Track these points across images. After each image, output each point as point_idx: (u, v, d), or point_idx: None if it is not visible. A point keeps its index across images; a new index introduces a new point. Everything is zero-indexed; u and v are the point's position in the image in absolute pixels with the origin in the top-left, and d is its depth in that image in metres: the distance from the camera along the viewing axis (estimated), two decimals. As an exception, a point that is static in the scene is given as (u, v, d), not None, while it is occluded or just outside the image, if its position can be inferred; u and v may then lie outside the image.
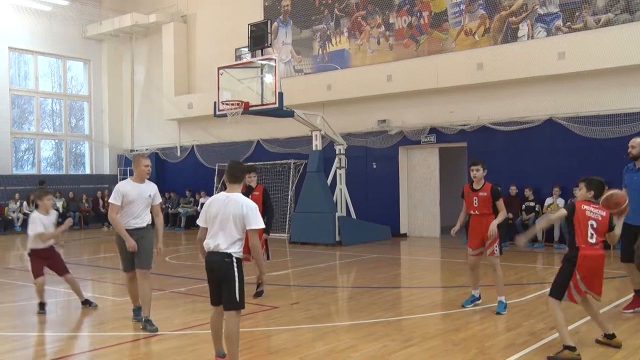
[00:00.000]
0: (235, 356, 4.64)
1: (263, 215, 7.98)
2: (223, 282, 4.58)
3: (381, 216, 16.16)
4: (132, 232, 6.25)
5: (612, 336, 5.33)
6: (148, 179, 6.43)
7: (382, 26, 16.81)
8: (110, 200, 6.27)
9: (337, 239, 14.35)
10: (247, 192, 8.16)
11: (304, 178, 15.70)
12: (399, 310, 7.28)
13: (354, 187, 15.84)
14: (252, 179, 8.20)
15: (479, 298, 7.12)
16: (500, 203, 6.83)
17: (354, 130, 16.76)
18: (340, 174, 15.44)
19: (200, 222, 4.72)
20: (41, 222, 7.04)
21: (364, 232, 14.98)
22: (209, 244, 4.59)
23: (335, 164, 15.49)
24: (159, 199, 6.54)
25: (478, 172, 6.97)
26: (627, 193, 6.43)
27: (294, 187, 17.52)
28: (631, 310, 6.44)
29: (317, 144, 15.16)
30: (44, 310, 7.09)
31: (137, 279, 6.33)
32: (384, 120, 16.39)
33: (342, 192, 15.39)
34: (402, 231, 16.40)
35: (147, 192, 6.37)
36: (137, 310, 6.52)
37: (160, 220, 6.56)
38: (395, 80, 15.84)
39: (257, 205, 4.69)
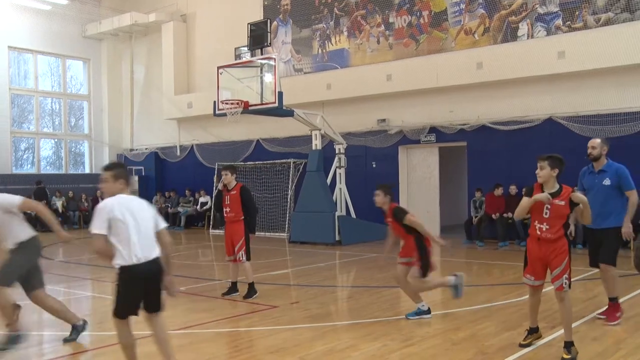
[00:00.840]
0: (173, 355, 4.59)
1: (245, 215, 7.96)
2: (155, 288, 4.42)
3: (381, 215, 16.05)
4: None
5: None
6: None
7: (382, 25, 16.81)
8: None
9: (337, 238, 14.35)
10: (222, 192, 8.03)
11: (303, 177, 15.70)
12: (399, 309, 7.28)
13: (353, 187, 15.83)
14: (226, 177, 7.90)
15: (427, 311, 6.55)
16: (409, 219, 6.37)
17: (354, 129, 16.76)
18: (340, 174, 15.44)
19: (102, 229, 4.22)
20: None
21: (363, 232, 14.97)
22: (139, 253, 4.25)
23: (335, 163, 15.49)
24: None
25: (377, 198, 6.54)
26: (587, 197, 6.14)
27: (293, 187, 17.51)
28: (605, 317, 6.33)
29: (316, 144, 15.16)
30: None
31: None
32: (384, 120, 16.40)
33: (341, 192, 15.39)
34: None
35: None
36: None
37: None
38: (395, 80, 15.83)
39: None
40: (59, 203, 19.93)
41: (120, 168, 4.55)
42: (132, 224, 4.28)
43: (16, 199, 5.65)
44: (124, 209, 4.31)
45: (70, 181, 21.97)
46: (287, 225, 17.01)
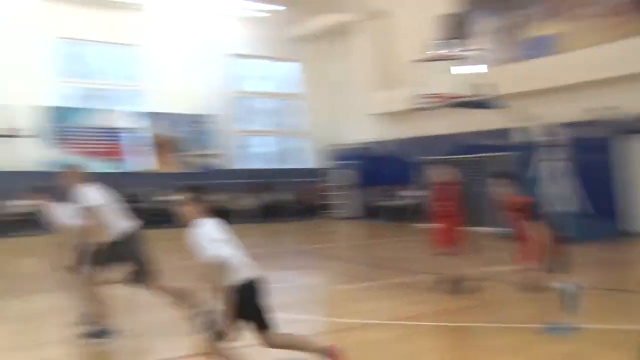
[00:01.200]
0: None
1: (457, 209, 7.90)
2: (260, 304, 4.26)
3: (599, 210, 14.54)
4: None
5: None
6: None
7: (588, 7, 15.38)
8: None
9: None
10: (434, 186, 8.22)
11: (509, 171, 15.00)
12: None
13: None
14: (439, 172, 8.10)
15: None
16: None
17: (564, 119, 15.55)
18: (559, 167, 14.33)
19: (224, 252, 4.06)
20: None
21: (588, 228, 13.33)
22: (252, 269, 4.23)
23: (549, 156, 14.47)
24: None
25: (500, 188, 6.36)
26: None
27: (499, 181, 16.80)
28: None
29: (525, 136, 14.43)
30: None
31: None
32: (599, 109, 14.97)
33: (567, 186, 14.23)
34: (633, 229, 14.73)
35: None
36: None
37: None
38: (606, 65, 14.42)
39: None
40: (280, 197, 21.77)
41: (198, 192, 4.27)
42: (234, 244, 4.22)
43: None
44: (220, 229, 4.20)
45: (288, 175, 23.69)
46: (495, 220, 16.30)
